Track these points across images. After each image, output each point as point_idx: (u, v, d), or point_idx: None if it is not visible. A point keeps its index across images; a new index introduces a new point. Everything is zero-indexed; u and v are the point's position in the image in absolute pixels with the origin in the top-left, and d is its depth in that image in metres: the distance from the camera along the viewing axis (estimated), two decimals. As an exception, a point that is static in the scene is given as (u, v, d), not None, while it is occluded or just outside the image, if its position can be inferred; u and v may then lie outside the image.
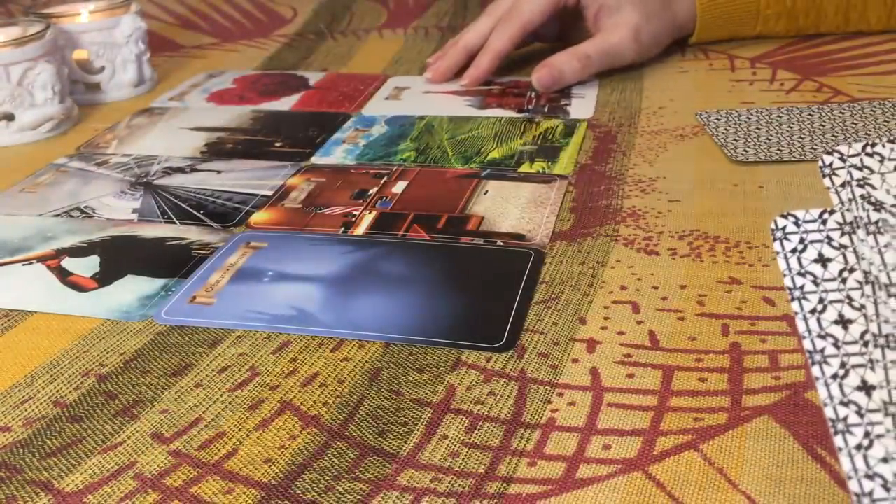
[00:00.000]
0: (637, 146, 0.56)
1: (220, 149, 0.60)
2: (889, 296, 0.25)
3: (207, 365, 0.37)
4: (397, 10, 0.97)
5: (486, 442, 0.32)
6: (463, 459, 0.31)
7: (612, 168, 0.53)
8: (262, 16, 0.98)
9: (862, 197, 0.26)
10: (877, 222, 0.26)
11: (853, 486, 0.23)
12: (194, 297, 0.41)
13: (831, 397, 0.24)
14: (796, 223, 0.26)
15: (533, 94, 0.67)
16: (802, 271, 0.26)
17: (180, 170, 0.56)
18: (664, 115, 0.62)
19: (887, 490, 0.23)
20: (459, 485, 0.30)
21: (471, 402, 0.34)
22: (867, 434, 0.24)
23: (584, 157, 0.55)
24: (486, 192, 0.51)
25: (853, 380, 0.24)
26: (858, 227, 0.26)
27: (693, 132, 0.58)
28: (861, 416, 0.24)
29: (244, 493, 0.30)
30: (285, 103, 0.68)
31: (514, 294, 0.40)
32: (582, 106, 0.64)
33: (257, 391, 0.35)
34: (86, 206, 0.52)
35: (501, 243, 0.45)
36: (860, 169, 0.27)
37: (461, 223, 0.47)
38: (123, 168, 0.57)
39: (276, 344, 0.38)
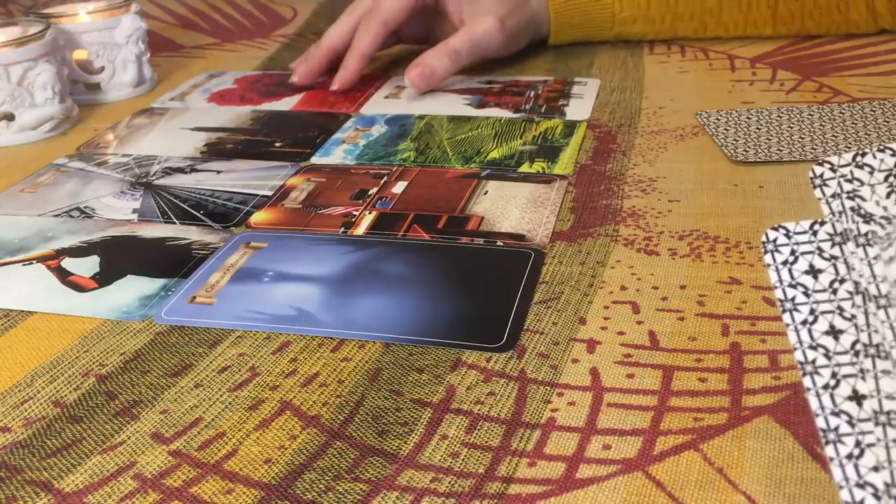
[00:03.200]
0: (637, 146, 0.56)
1: (220, 149, 0.60)
2: (878, 307, 0.25)
3: (207, 365, 0.37)
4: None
5: (486, 442, 0.32)
6: (463, 459, 0.31)
7: (612, 168, 0.53)
8: (262, 16, 0.98)
9: (852, 209, 0.26)
10: (866, 234, 0.26)
11: (844, 495, 0.23)
12: (194, 298, 0.41)
13: (822, 407, 0.24)
14: (787, 235, 0.26)
15: (532, 94, 0.67)
16: (794, 283, 0.26)
17: (180, 170, 0.56)
18: (664, 115, 0.61)
19: (878, 499, 0.23)
20: (459, 485, 0.30)
21: (471, 402, 0.34)
22: (858, 443, 0.24)
23: (584, 158, 0.55)
24: (486, 192, 0.51)
25: (844, 390, 0.24)
26: (848, 238, 0.26)
27: (693, 132, 0.58)
28: (852, 425, 0.24)
29: (244, 493, 0.30)
30: (286, 103, 0.69)
31: (514, 294, 0.40)
32: (580, 106, 0.64)
33: (257, 391, 0.35)
34: (86, 206, 0.52)
35: (501, 243, 0.45)
36: (850, 181, 0.27)
37: (461, 223, 0.47)
38: (123, 168, 0.57)
39: (276, 344, 0.38)
